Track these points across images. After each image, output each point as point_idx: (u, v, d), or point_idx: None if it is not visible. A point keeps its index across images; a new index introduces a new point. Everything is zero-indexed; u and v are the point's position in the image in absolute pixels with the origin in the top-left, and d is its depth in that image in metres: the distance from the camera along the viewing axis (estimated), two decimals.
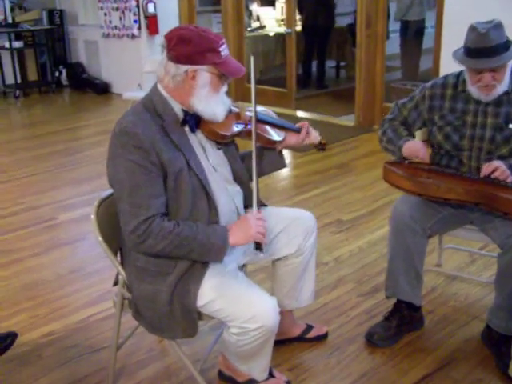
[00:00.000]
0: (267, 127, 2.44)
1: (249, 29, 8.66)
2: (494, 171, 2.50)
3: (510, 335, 2.60)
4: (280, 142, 2.46)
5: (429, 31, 7.97)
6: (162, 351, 2.76)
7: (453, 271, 3.41)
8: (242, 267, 2.47)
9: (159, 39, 7.87)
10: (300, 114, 7.26)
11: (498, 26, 2.50)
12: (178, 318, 2.13)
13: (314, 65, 8.91)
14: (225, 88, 2.19)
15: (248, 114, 2.34)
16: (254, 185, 2.26)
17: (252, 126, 2.28)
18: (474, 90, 2.62)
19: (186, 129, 2.17)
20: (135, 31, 8.07)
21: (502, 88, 2.58)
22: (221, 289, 2.12)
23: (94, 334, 2.91)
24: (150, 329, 2.24)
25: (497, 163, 2.52)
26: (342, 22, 9.34)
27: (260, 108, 2.45)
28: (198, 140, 2.21)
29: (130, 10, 8.03)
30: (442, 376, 2.58)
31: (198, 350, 2.70)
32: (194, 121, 2.17)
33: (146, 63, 7.47)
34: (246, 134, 2.33)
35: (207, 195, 2.15)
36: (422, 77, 7.61)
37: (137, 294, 2.19)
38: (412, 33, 8.03)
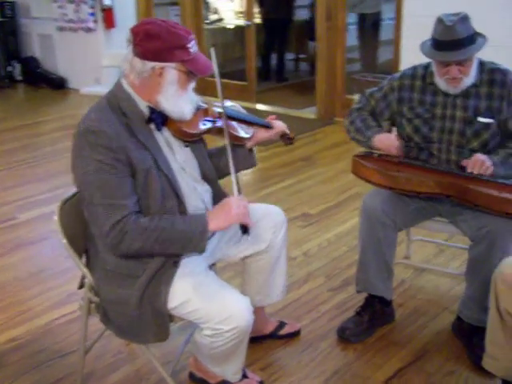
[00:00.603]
0: (235, 124, 2.38)
1: (207, 21, 8.56)
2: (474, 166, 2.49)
3: (481, 326, 2.60)
4: (249, 138, 2.40)
5: (386, 23, 8.02)
6: (131, 354, 2.69)
7: (421, 263, 3.41)
8: (212, 266, 2.41)
9: (117, 33, 7.71)
10: (261, 107, 7.21)
11: (464, 19, 2.48)
12: (149, 321, 2.06)
13: (273, 58, 8.86)
14: (193, 85, 2.12)
15: (216, 110, 2.27)
16: (232, 173, 2.19)
17: (223, 121, 2.22)
18: (441, 82, 2.61)
19: (152, 127, 2.09)
20: (91, 24, 7.89)
21: (469, 80, 2.57)
22: (193, 290, 2.06)
23: (60, 337, 2.81)
24: (119, 334, 2.17)
25: (474, 158, 2.51)
26: (300, 14, 9.30)
27: (228, 103, 2.39)
28: (164, 138, 2.14)
29: (85, 3, 7.84)
30: (416, 369, 2.57)
31: (168, 351, 2.63)
32: (161, 119, 2.09)
33: (103, 57, 7.35)
34: (214, 131, 2.27)
35: (176, 195, 2.09)
36: (381, 68, 7.65)
37: (105, 298, 2.12)
38: (369, 25, 8.06)
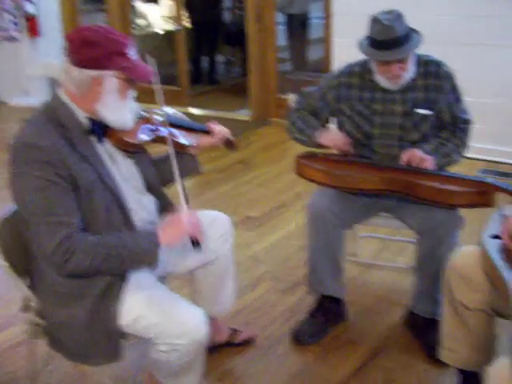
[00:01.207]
0: (178, 131, 2.31)
1: (136, 27, 8.42)
2: (412, 159, 2.52)
3: (435, 318, 2.62)
4: (192, 146, 2.34)
5: (314, 22, 8.09)
6: (82, 374, 2.56)
7: (369, 259, 3.43)
8: (163, 280, 2.33)
9: (43, 42, 7.48)
10: (194, 111, 7.13)
11: (399, 17, 2.50)
12: (100, 342, 1.97)
13: (204, 61, 8.80)
14: (133, 93, 2.05)
15: (157, 118, 2.21)
16: (178, 184, 2.12)
17: (166, 129, 2.15)
18: (381, 80, 2.62)
19: (93, 139, 2.01)
20: (14, 33, 7.61)
21: (408, 75, 2.59)
22: (145, 305, 1.98)
23: (6, 363, 2.68)
24: (69, 357, 2.06)
25: (412, 150, 2.54)
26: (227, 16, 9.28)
27: (170, 110, 2.33)
28: (106, 150, 2.05)
29: (7, 11, 7.57)
30: (373, 366, 2.58)
31: (121, 369, 2.53)
32: (101, 130, 2.01)
33: (29, 67, 7.12)
34: (157, 140, 2.20)
35: (122, 209, 2.01)
36: (312, 66, 7.70)
37: (52, 321, 2.02)
38: (297, 25, 8.10)
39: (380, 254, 3.50)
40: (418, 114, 2.63)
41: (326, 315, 2.79)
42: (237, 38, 8.31)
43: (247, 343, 2.75)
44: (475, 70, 4.82)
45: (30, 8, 7.42)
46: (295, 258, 3.47)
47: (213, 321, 2.62)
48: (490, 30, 4.76)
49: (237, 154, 5.40)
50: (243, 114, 6.76)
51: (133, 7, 8.51)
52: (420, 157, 2.51)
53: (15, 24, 7.53)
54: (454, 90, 2.67)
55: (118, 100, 1.97)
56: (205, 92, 8.24)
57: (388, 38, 2.47)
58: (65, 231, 1.85)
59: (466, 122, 2.69)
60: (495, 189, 2.41)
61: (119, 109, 1.99)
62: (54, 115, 1.94)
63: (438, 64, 2.66)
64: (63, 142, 1.90)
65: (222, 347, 2.70)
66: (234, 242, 2.51)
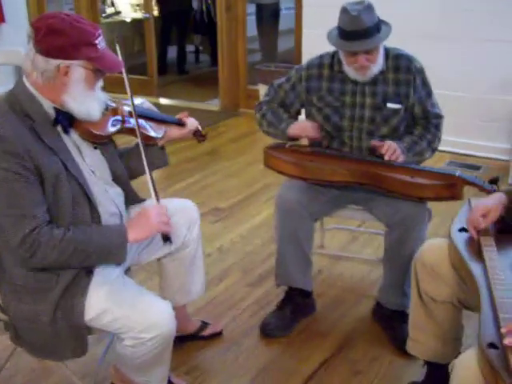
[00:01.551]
0: (146, 123, 2.26)
1: (104, 15, 8.28)
2: (386, 151, 2.51)
3: (402, 310, 2.63)
4: (160, 137, 2.30)
5: (284, 13, 8.07)
6: (45, 370, 2.52)
7: (336, 251, 3.42)
8: (127, 271, 2.30)
9: (8, 28, 7.31)
10: (163, 101, 7.06)
11: (369, 8, 2.48)
12: (65, 337, 1.93)
13: (172, 51, 8.72)
14: (100, 83, 1.99)
15: (126, 108, 2.15)
16: (147, 177, 2.08)
17: (134, 121, 2.10)
18: (350, 71, 2.60)
19: (59, 129, 1.95)
20: None
21: (376, 68, 2.58)
22: (110, 299, 1.94)
23: None
24: (33, 352, 2.02)
25: (388, 143, 2.53)
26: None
27: (139, 101, 2.28)
28: (72, 141, 2.00)
29: None
30: (341, 358, 2.57)
31: (86, 363, 2.46)
32: (67, 121, 1.95)
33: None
34: (125, 131, 2.15)
35: (88, 201, 1.96)
36: (282, 57, 7.67)
37: (15, 316, 1.96)
38: (267, 15, 8.07)
39: (348, 246, 3.50)
40: (389, 108, 2.62)
41: (294, 308, 2.77)
42: (206, 27, 8.27)
43: (215, 336, 2.73)
44: (443, 63, 4.85)
45: None
46: (262, 251, 3.45)
47: (182, 310, 2.61)
48: (461, 24, 4.78)
49: (206, 144, 5.31)
50: (213, 105, 6.71)
51: None
52: (398, 154, 2.51)
53: None
54: (425, 84, 2.67)
55: (85, 91, 1.92)
56: (174, 82, 8.17)
57: (355, 29, 2.45)
58: (30, 224, 1.80)
59: (438, 116, 2.70)
60: (463, 182, 2.42)
61: (86, 100, 1.94)
62: (18, 105, 1.88)
63: (408, 59, 2.65)
64: (28, 133, 1.85)
65: (190, 339, 2.67)
66: (200, 230, 2.48)
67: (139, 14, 7.84)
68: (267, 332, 2.72)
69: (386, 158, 2.50)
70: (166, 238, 2.03)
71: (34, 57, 1.86)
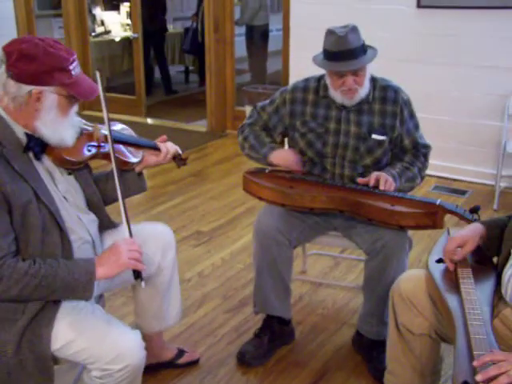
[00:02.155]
0: (123, 148, 2.22)
1: (93, 34, 8.27)
2: (378, 182, 2.48)
3: (381, 340, 2.58)
4: (137, 163, 2.26)
5: (274, 34, 8.08)
6: None
7: (318, 278, 3.37)
8: (100, 298, 2.24)
9: None
10: (150, 121, 7.03)
11: (354, 30, 2.47)
12: (30, 368, 1.86)
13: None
14: (75, 109, 1.95)
15: (103, 133, 2.11)
16: (121, 208, 2.03)
17: (109, 147, 2.04)
18: (336, 95, 2.57)
19: (30, 155, 1.90)
20: None
21: (363, 91, 2.56)
22: (77, 328, 1.88)
23: None
24: None
25: (376, 174, 2.50)
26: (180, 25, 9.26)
27: (119, 127, 2.25)
28: (44, 167, 1.95)
29: None
30: None
31: None
32: (40, 146, 1.90)
33: None
34: (100, 157, 2.10)
35: (59, 228, 1.91)
36: (271, 79, 7.68)
37: None
38: (258, 37, 8.09)
39: (330, 272, 3.45)
40: (373, 139, 2.59)
41: (272, 336, 2.71)
42: (198, 46, 8.25)
43: (191, 364, 2.66)
44: (430, 87, 4.85)
45: None
46: (243, 276, 3.40)
47: (158, 337, 2.55)
48: (447, 48, 4.78)
49: (191, 166, 5.32)
50: (200, 125, 6.68)
51: (91, 14, 8.39)
52: (391, 183, 2.48)
53: None
54: (413, 116, 2.66)
55: (57, 117, 1.88)
56: (162, 102, 8.15)
57: (342, 49, 2.43)
58: None
59: (427, 146, 2.69)
60: (444, 210, 2.38)
61: (59, 126, 1.90)
62: None
63: (395, 90, 2.63)
64: None
65: (166, 367, 2.61)
66: (176, 255, 2.42)
67: (128, 34, 7.83)
68: (243, 360, 2.65)
69: (382, 188, 2.46)
70: (137, 275, 1.98)
71: (6, 81, 1.82)
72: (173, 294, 2.46)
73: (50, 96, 1.84)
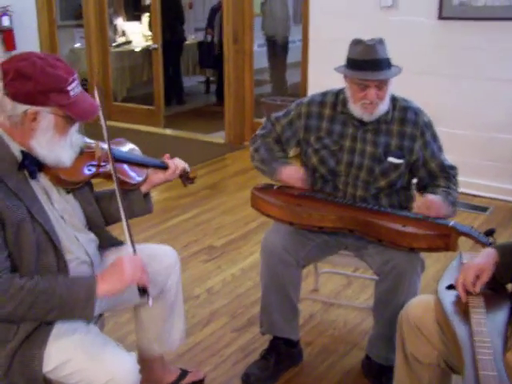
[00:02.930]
0: (126, 167, 2.16)
1: (114, 44, 8.29)
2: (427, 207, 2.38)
3: (390, 365, 2.47)
4: (140, 182, 2.19)
5: (297, 45, 8.02)
6: None
7: (329, 297, 3.28)
8: (99, 318, 2.17)
9: None
10: (169, 132, 7.00)
11: (382, 42, 2.42)
12: None
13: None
14: (75, 128, 1.89)
15: (103, 152, 2.04)
16: (124, 224, 1.96)
17: (110, 166, 2.00)
18: (356, 109, 2.48)
19: (26, 173, 1.84)
20: None
21: (383, 108, 2.47)
22: (71, 349, 1.82)
23: None
24: None
25: (430, 198, 2.40)
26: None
27: (129, 147, 2.21)
28: (40, 185, 1.89)
29: None
30: None
31: None
32: (36, 165, 1.84)
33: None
34: (101, 176, 2.05)
35: (54, 248, 1.85)
36: (292, 90, 7.61)
37: None
38: (278, 48, 8.04)
39: (342, 292, 3.35)
40: (389, 162, 2.50)
41: (279, 358, 2.63)
42: (214, 59, 8.22)
43: None
44: (450, 100, 4.75)
45: (5, 21, 7.27)
46: (253, 294, 3.30)
47: (159, 360, 2.48)
48: (465, 62, 4.68)
49: (205, 178, 5.27)
50: (218, 137, 6.62)
51: (112, 24, 8.41)
52: (438, 205, 2.37)
53: None
54: (435, 139, 2.57)
55: (54, 137, 1.82)
56: (181, 113, 8.12)
57: (370, 58, 2.36)
58: None
59: (454, 168, 2.59)
60: (457, 233, 2.28)
61: (56, 147, 1.84)
62: None
63: (416, 112, 2.54)
64: None
65: None
66: (180, 277, 2.36)
67: (148, 44, 7.82)
68: (249, 383, 2.57)
69: (433, 215, 2.35)
70: (143, 292, 1.90)
71: (2, 99, 1.77)
72: (176, 317, 2.39)
73: (47, 116, 1.79)
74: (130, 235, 1.96)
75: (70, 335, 1.85)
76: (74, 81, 1.82)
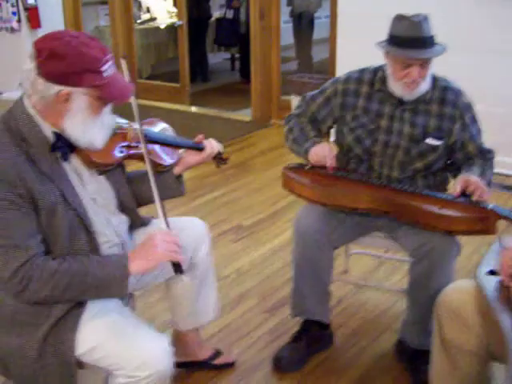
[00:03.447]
0: (158, 148, 2.11)
1: (138, 21, 8.22)
2: (468, 188, 2.27)
3: (425, 350, 2.43)
4: (174, 164, 2.15)
5: (323, 21, 7.89)
6: None
7: (360, 279, 3.23)
8: (129, 298, 2.15)
9: (44, 33, 7.28)
10: (195, 109, 6.94)
11: (427, 19, 2.32)
12: (53, 373, 1.79)
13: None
14: (108, 109, 1.84)
15: (136, 133, 2.00)
16: (156, 202, 1.91)
17: (142, 148, 1.95)
18: (397, 87, 2.40)
19: (58, 154, 1.81)
20: (14, 24, 7.42)
21: (424, 87, 2.39)
22: (103, 332, 1.80)
23: None
24: None
25: (473, 179, 2.28)
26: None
27: (161, 126, 2.17)
28: (72, 167, 1.86)
29: (7, 1, 7.38)
30: None
31: None
32: (68, 147, 1.81)
33: (27, 59, 6.95)
34: (133, 157, 2.01)
35: (87, 231, 1.83)
36: (318, 67, 7.50)
37: (2, 348, 1.83)
38: (304, 24, 7.90)
39: (374, 272, 3.30)
40: (428, 144, 2.43)
41: (309, 340, 2.59)
42: (232, 38, 8.12)
43: (226, 366, 2.57)
44: (487, 77, 4.61)
45: None
46: (282, 275, 3.26)
47: (194, 335, 2.48)
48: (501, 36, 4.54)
49: (233, 157, 5.18)
50: (244, 115, 6.56)
51: (137, 1, 8.33)
52: (481, 188, 2.25)
53: (14, 14, 7.36)
54: (475, 121, 2.48)
55: (87, 119, 1.78)
56: (207, 90, 8.06)
57: (416, 36, 2.28)
58: (22, 256, 1.68)
59: (492, 152, 2.51)
60: (497, 216, 2.21)
61: (88, 128, 1.80)
62: (15, 127, 1.75)
63: (456, 93, 2.45)
64: (24, 158, 1.72)
65: (201, 367, 2.52)
66: (211, 249, 2.34)
67: (173, 21, 7.74)
68: (279, 365, 2.54)
69: (475, 199, 2.25)
70: (177, 268, 1.86)
71: (35, 79, 1.72)
72: (208, 290, 2.37)
73: (80, 97, 1.74)
74: (164, 212, 1.92)
75: (102, 318, 1.84)
76: (108, 61, 1.77)
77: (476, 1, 4.58)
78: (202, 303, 2.36)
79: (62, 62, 1.69)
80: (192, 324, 2.40)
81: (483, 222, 2.22)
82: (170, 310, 2.41)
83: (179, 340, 2.44)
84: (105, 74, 1.75)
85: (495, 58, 4.60)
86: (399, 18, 2.32)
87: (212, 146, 2.23)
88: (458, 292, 1.92)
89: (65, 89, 1.71)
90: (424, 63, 2.32)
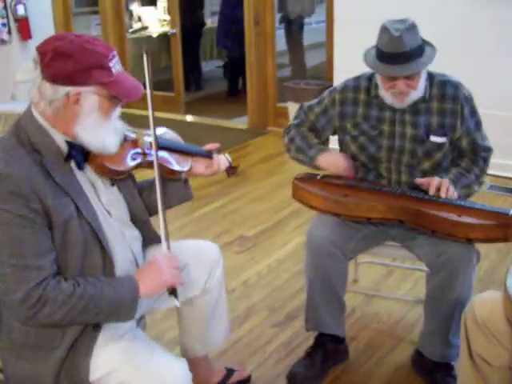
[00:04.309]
0: (169, 155, 2.04)
1: (130, 30, 8.14)
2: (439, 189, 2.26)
3: (445, 362, 2.36)
4: (185, 172, 2.08)
5: (314, 27, 7.86)
6: None
7: (370, 288, 3.15)
8: (140, 320, 2.06)
9: (34, 45, 7.18)
10: (190, 118, 6.86)
11: (412, 28, 2.24)
12: None
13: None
14: (118, 111, 1.77)
15: (147, 139, 1.93)
16: (160, 221, 1.85)
17: (153, 157, 1.87)
18: (386, 96, 2.36)
19: (72, 164, 1.74)
20: (4, 36, 7.33)
21: (416, 94, 2.33)
22: (118, 358, 1.72)
23: None
24: None
25: (437, 180, 2.28)
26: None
27: (161, 130, 2.06)
28: (87, 177, 1.78)
29: None
30: None
31: None
32: (82, 155, 1.74)
33: (17, 71, 6.85)
34: (145, 165, 1.93)
35: (101, 246, 1.74)
36: (311, 73, 7.44)
37: (12, 374, 1.75)
38: (295, 30, 7.85)
39: (383, 281, 3.23)
40: (432, 141, 2.37)
41: (325, 355, 2.51)
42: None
43: (242, 383, 2.48)
44: (487, 80, 4.56)
45: (20, 10, 7.16)
46: (290, 286, 3.19)
47: (204, 361, 2.38)
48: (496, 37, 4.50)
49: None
50: (241, 123, 6.48)
51: (128, 10, 8.25)
52: (452, 191, 2.27)
53: (4, 25, 7.27)
54: (474, 114, 2.42)
55: (99, 120, 1.71)
56: (201, 98, 7.97)
57: (395, 51, 2.21)
58: (36, 278, 1.59)
59: (488, 149, 2.45)
60: None
61: (101, 131, 1.72)
62: (26, 138, 1.68)
63: (455, 86, 2.39)
64: (38, 170, 1.64)
65: None
66: (223, 274, 2.25)
67: (166, 29, 7.66)
68: (295, 382, 2.46)
69: (443, 196, 2.24)
70: (172, 292, 1.81)
71: (41, 84, 1.65)
72: (220, 316, 2.29)
73: (90, 97, 1.67)
74: (166, 231, 1.86)
75: (117, 342, 1.76)
76: (114, 57, 1.70)
77: (471, 2, 4.54)
78: (213, 328, 2.28)
79: (67, 60, 1.63)
80: (201, 351, 2.32)
81: (503, 228, 2.16)
82: (180, 335, 2.32)
83: (189, 367, 2.35)
84: (113, 71, 1.68)
85: (491, 59, 4.55)
86: (383, 30, 2.25)
87: (219, 163, 2.15)
88: (485, 304, 1.84)
89: (74, 90, 1.64)
90: (411, 76, 2.26)
